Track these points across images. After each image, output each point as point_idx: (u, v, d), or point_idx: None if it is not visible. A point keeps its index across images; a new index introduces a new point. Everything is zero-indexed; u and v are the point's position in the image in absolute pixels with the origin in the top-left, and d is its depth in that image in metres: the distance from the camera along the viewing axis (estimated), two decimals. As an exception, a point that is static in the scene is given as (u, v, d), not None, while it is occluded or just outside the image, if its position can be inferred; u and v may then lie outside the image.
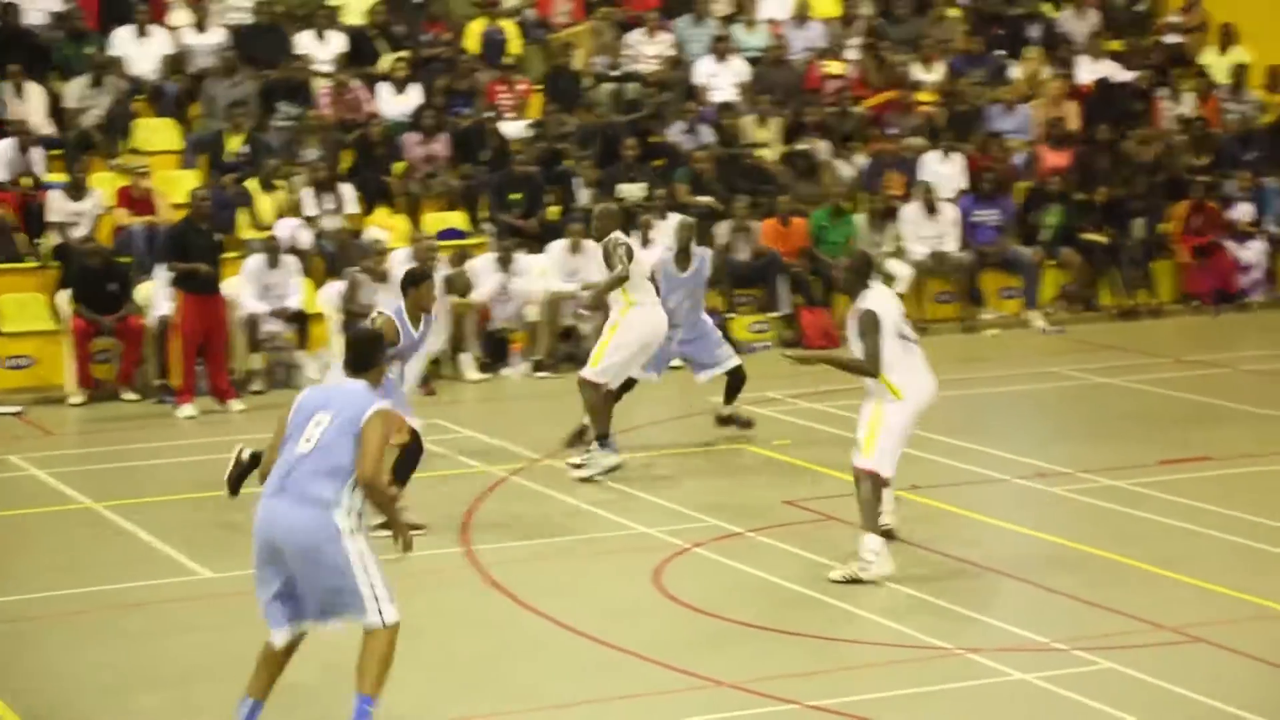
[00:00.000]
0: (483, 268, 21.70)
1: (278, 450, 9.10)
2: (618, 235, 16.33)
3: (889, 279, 18.66)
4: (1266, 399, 18.55)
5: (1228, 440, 17.29)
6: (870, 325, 12.08)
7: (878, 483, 12.31)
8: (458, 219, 22.94)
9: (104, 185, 22.09)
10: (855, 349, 12.44)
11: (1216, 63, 26.74)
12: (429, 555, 13.27)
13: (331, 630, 9.00)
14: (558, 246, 22.23)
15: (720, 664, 10.81)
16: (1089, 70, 26.31)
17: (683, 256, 17.52)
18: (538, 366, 20.39)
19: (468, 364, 20.88)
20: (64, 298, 20.58)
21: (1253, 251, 24.24)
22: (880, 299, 12.33)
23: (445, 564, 13.62)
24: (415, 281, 13.73)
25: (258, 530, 9.01)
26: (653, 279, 16.81)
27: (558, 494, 14.98)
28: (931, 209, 23.22)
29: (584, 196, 22.73)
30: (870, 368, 12.19)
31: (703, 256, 17.67)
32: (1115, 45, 27.27)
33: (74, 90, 23.11)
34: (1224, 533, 13.95)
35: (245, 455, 11.55)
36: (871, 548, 12.13)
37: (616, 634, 11.48)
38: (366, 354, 9.45)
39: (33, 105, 22.86)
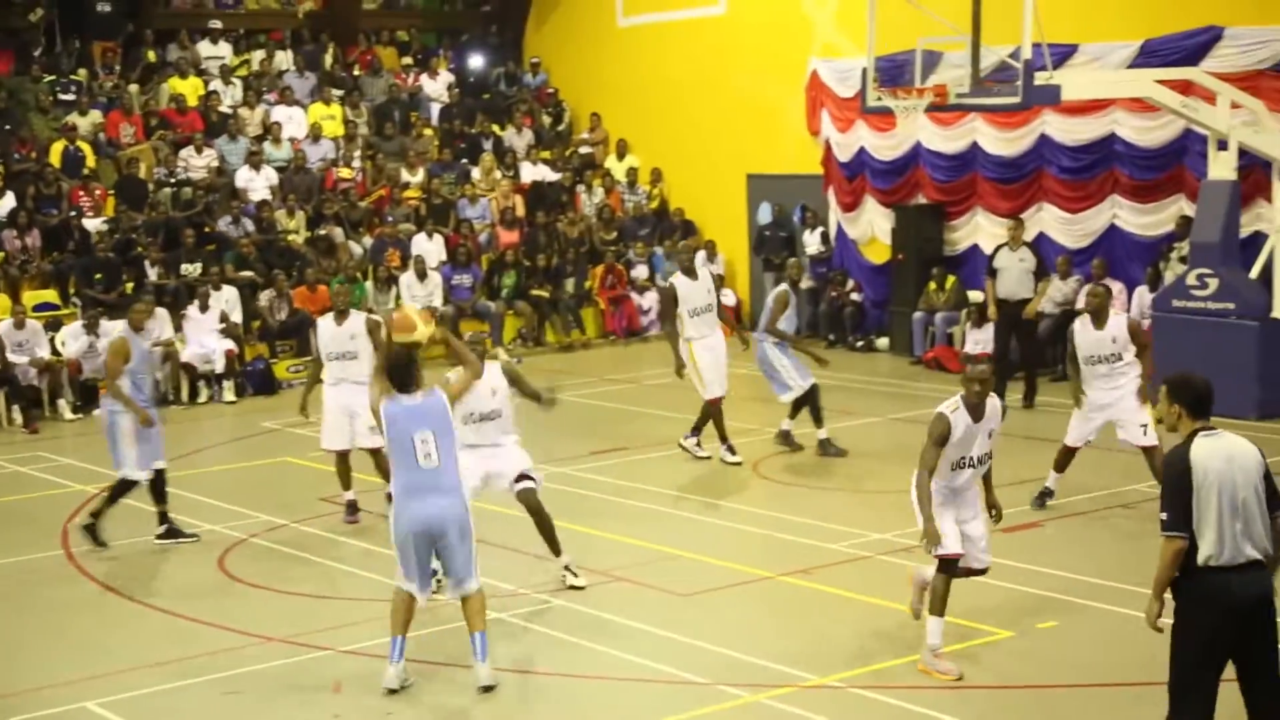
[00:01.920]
0: (72, 333, 21.62)
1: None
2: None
3: None
4: (665, 404, 19.60)
5: (639, 434, 18.68)
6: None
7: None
8: (51, 295, 23.09)
9: None
10: None
11: (616, 166, 28.80)
12: (31, 559, 13.96)
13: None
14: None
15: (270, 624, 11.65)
16: (529, 173, 28.10)
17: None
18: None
19: (64, 407, 21.26)
20: None
21: (648, 299, 26.30)
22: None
23: (50, 565, 13.75)
24: None
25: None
26: None
27: (147, 505, 14.25)
28: (422, 275, 24.44)
29: (153, 274, 23.30)
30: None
31: None
32: (546, 154, 28.94)
33: None
34: (641, 501, 15.22)
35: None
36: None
37: (187, 608, 12.19)
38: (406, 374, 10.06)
39: None
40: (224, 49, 28.86)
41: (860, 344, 24.35)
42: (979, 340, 20.05)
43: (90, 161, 25.44)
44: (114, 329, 20.77)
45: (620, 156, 29.28)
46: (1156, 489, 8.91)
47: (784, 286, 17.10)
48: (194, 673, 10.75)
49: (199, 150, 26.22)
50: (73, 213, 24.15)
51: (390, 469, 10.35)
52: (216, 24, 29.32)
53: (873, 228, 24.80)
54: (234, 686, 10.47)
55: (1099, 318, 13.81)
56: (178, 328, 22.31)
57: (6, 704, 10.42)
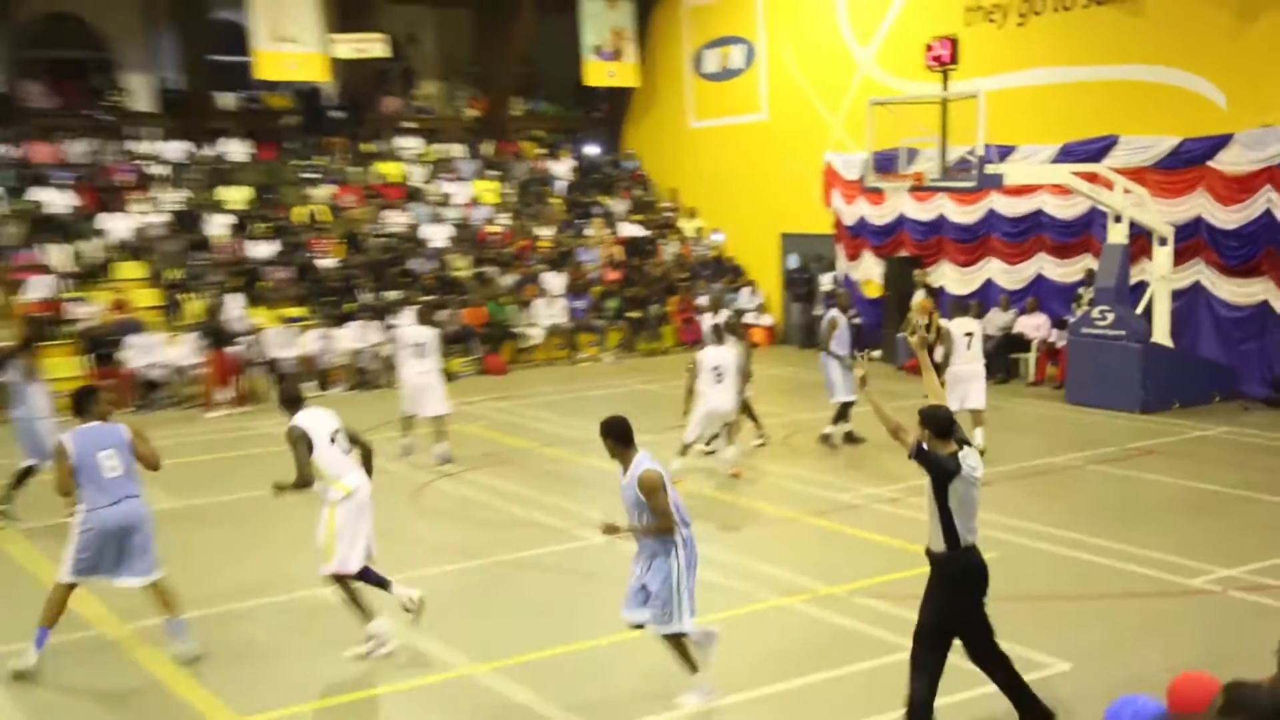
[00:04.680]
0: (312, 336, 21.55)
1: None
2: None
3: None
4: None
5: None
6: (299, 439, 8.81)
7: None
8: (300, 311, 22.51)
9: None
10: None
11: (687, 225, 28.77)
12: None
13: None
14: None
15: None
16: (625, 230, 28.06)
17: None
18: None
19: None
20: None
21: (707, 320, 26.03)
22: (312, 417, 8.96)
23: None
24: None
25: None
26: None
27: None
28: (550, 301, 24.58)
29: (366, 298, 23.31)
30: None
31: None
32: (638, 217, 28.59)
33: None
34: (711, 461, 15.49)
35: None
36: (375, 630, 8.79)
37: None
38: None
39: None
40: (416, 142, 29.24)
41: (860, 355, 23.97)
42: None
43: (325, 219, 25.83)
44: (341, 335, 22.14)
45: (690, 218, 29.29)
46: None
47: (834, 312, 15.98)
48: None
49: (401, 211, 26.58)
50: (310, 255, 24.50)
51: None
52: (412, 125, 29.75)
53: (869, 272, 24.86)
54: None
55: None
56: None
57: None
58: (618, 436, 7.67)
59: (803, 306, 26.19)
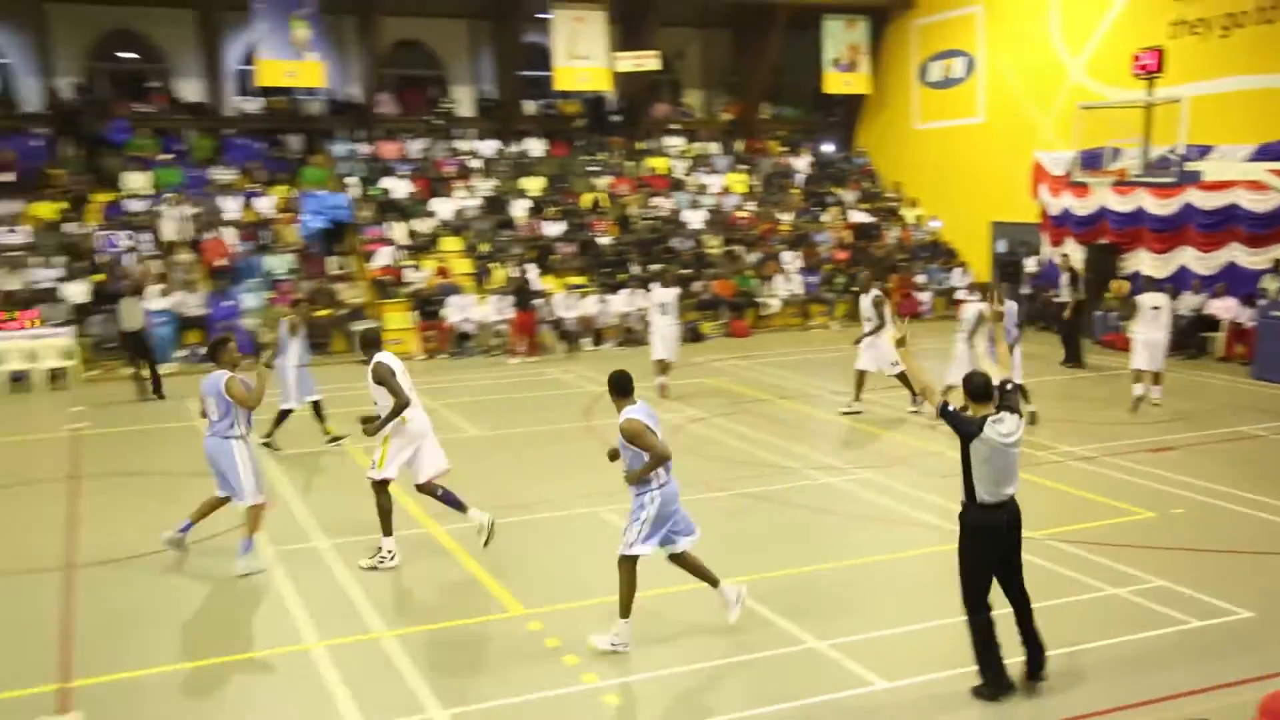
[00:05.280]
0: (591, 301, 21.59)
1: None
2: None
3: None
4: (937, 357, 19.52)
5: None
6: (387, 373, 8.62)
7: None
8: (581, 279, 22.56)
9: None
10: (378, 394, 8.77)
11: (908, 214, 27.79)
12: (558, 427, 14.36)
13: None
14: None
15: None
16: (854, 217, 27.18)
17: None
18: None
19: (585, 344, 21.19)
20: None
21: (925, 297, 25.30)
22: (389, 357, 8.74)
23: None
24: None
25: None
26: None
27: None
28: (786, 278, 24.34)
29: (635, 270, 23.19)
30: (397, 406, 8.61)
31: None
32: (865, 206, 27.80)
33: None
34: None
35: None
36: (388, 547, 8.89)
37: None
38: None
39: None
40: (680, 141, 29.11)
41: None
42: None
43: (604, 204, 25.90)
44: (614, 300, 22.11)
45: (911, 207, 28.45)
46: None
47: (982, 306, 13.62)
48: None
49: (666, 197, 26.49)
50: (591, 234, 24.62)
51: None
52: (676, 127, 29.65)
53: (1070, 258, 23.53)
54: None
55: None
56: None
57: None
58: (616, 389, 7.24)
59: (1010, 286, 24.92)
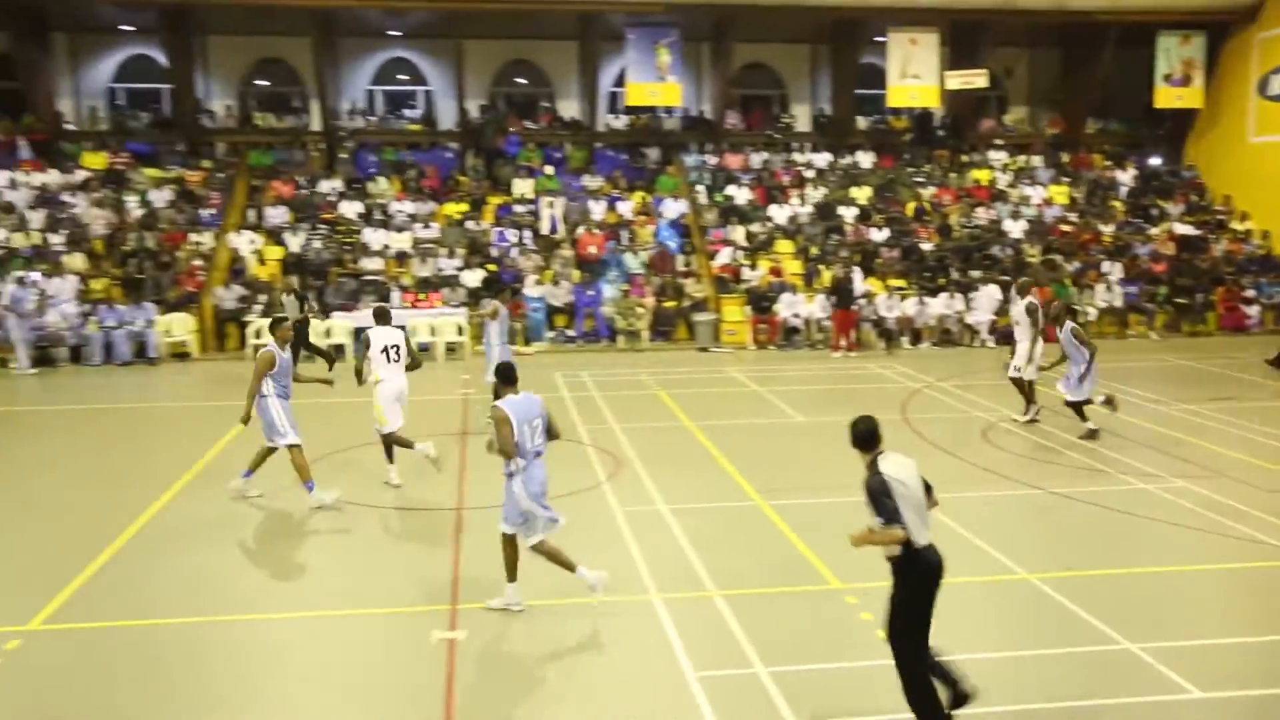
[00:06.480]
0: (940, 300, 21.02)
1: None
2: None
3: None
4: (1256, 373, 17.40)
5: (1248, 389, 16.30)
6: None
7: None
8: (902, 282, 21.85)
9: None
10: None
11: (1239, 226, 25.39)
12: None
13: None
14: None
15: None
16: (1179, 228, 24.93)
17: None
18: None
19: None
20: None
21: (1253, 310, 22.59)
22: None
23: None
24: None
25: None
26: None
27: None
28: (1108, 288, 22.60)
29: (954, 274, 22.12)
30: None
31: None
32: (1190, 218, 25.38)
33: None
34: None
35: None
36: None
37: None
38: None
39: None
40: (1003, 154, 27.65)
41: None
42: None
43: (927, 213, 24.92)
44: (933, 302, 21.27)
45: (1241, 221, 25.67)
46: None
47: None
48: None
49: (985, 209, 25.27)
50: (914, 240, 23.76)
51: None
52: (1001, 141, 28.08)
53: None
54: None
55: None
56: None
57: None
58: (502, 379, 7.22)
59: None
